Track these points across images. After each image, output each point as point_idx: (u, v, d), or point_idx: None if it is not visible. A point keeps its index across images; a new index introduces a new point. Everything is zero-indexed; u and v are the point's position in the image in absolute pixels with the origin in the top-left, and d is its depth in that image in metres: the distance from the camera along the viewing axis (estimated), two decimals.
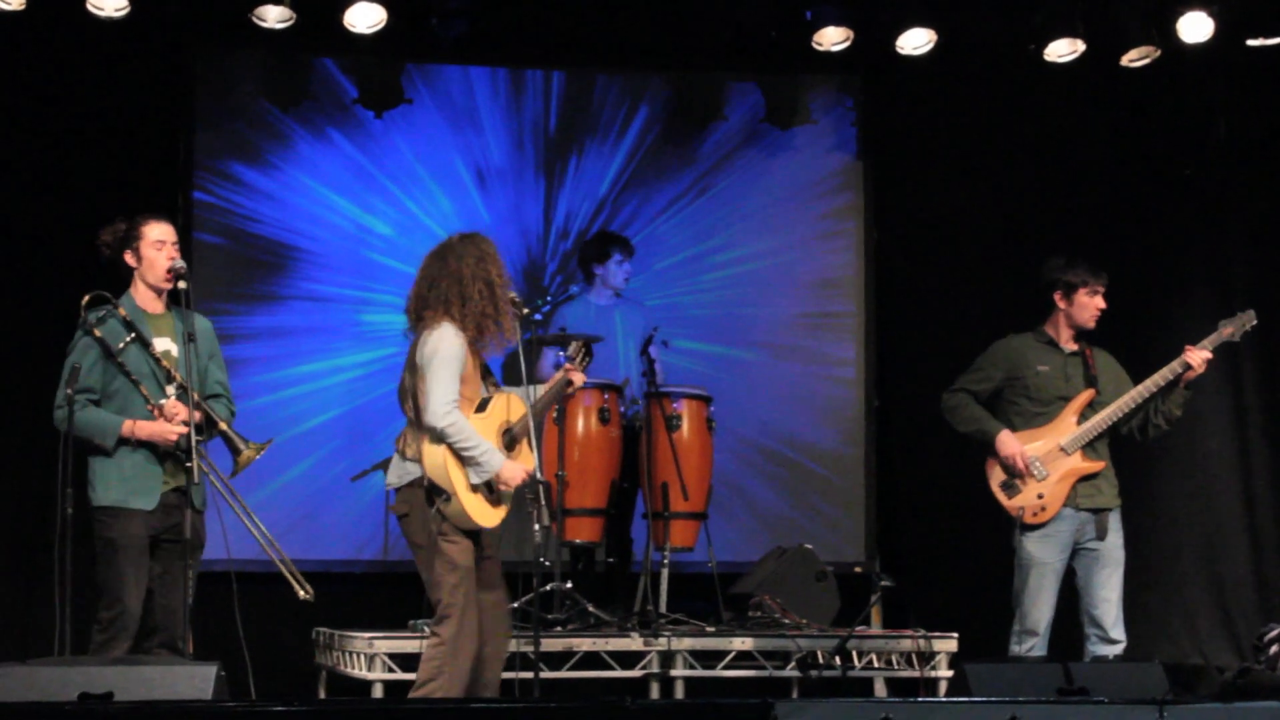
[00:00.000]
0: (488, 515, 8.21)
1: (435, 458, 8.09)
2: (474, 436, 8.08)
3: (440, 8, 11.17)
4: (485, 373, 8.31)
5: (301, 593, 8.20)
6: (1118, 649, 8.93)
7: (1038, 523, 8.92)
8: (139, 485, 7.93)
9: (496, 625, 8.34)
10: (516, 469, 8.17)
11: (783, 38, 11.39)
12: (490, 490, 8.18)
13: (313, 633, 10.58)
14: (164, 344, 8.09)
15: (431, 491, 8.06)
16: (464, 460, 8.08)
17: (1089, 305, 9.12)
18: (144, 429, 7.92)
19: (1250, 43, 11.23)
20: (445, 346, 8.03)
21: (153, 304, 8.18)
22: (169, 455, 7.98)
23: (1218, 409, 11.77)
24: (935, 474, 11.50)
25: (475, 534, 8.23)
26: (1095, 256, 9.35)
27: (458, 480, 8.10)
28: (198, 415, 7.93)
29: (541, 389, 8.59)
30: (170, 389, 8.01)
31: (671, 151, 12.11)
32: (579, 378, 8.32)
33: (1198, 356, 8.94)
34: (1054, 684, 6.70)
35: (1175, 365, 8.98)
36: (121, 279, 8.21)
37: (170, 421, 7.92)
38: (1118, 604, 9.05)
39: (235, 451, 8.11)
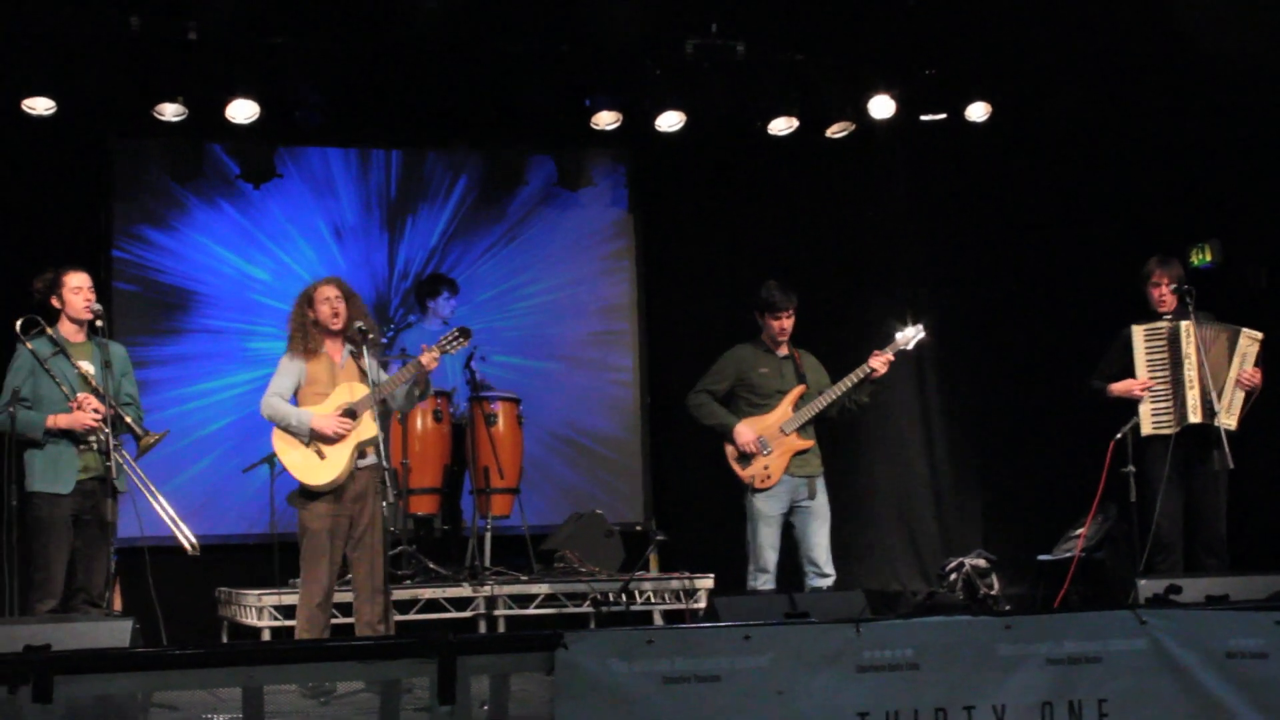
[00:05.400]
0: (316, 472, 8.19)
1: (275, 441, 8.29)
2: (281, 411, 8.22)
3: (302, 103, 11.14)
4: (361, 376, 8.24)
5: (188, 546, 8.14)
6: (829, 581, 8.92)
7: (764, 487, 8.93)
8: (59, 474, 7.90)
9: (363, 580, 8.25)
10: (327, 418, 8.15)
11: (568, 120, 11.46)
12: (320, 449, 8.19)
13: (215, 591, 10.54)
14: (84, 365, 8.05)
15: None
16: (289, 433, 8.22)
17: (773, 326, 9.07)
18: (63, 420, 7.89)
19: (923, 118, 11.46)
20: (279, 365, 8.36)
21: (74, 335, 8.14)
22: (88, 450, 7.93)
23: (906, 399, 11.98)
24: (693, 453, 11.41)
25: (329, 497, 8.21)
26: (805, 282, 9.39)
27: (283, 453, 8.25)
28: (108, 414, 7.86)
29: (401, 371, 8.44)
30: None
31: (486, 210, 12.10)
32: (428, 359, 8.25)
33: (879, 360, 9.03)
34: (782, 609, 6.68)
35: (864, 368, 9.04)
36: (50, 317, 8.13)
37: (84, 411, 7.87)
38: (827, 547, 8.99)
39: (137, 439, 8.05)
